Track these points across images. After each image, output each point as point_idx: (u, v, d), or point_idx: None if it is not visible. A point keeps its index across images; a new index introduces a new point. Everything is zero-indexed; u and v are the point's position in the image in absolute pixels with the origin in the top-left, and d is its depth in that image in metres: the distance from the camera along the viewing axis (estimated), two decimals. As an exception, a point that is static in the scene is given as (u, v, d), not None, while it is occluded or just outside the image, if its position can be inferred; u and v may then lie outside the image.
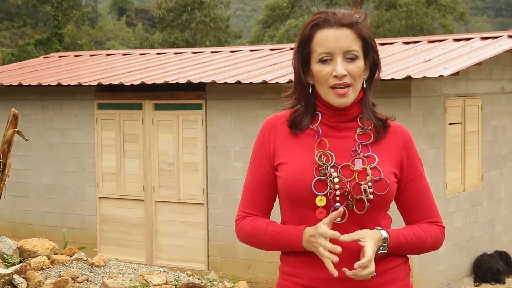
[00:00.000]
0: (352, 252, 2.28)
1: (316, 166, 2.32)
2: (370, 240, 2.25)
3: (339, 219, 2.30)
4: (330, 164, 2.32)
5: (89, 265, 7.08)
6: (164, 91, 9.89)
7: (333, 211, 2.29)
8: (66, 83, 10.30)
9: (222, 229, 9.57)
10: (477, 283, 9.32)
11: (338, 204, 2.30)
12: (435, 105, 8.92)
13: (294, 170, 2.33)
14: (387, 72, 8.10)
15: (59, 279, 6.31)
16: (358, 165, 2.33)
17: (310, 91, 2.38)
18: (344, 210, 2.30)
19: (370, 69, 2.40)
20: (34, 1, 28.57)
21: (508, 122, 10.35)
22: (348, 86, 2.32)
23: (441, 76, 8.04)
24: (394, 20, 32.07)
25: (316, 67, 2.34)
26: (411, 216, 2.44)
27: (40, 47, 26.18)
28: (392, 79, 8.03)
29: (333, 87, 2.32)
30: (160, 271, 7.53)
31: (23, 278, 6.27)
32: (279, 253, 2.46)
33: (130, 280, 6.44)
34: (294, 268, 2.38)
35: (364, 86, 2.38)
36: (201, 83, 9.39)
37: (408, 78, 8.06)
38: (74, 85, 10.27)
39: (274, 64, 10.18)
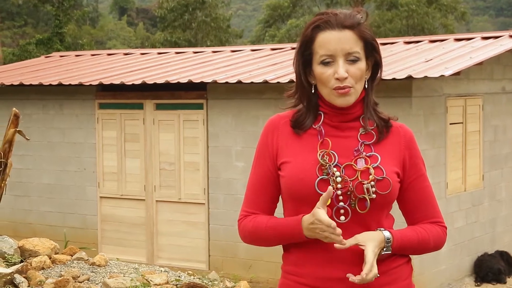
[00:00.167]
0: (353, 252, 2.29)
1: (319, 165, 2.33)
2: (370, 243, 2.26)
3: (342, 217, 2.31)
4: (333, 164, 2.33)
5: (90, 265, 7.08)
6: (165, 90, 9.89)
7: (336, 210, 2.30)
8: (67, 83, 10.30)
9: (223, 229, 9.57)
10: (478, 283, 9.32)
11: (341, 203, 2.31)
12: (436, 105, 8.92)
13: (297, 170, 2.34)
14: (388, 72, 8.10)
15: (60, 278, 6.31)
16: (360, 164, 2.34)
17: (313, 91, 2.39)
18: (347, 209, 2.31)
19: (372, 69, 2.41)
20: (35, 0, 28.55)
21: (509, 122, 10.34)
22: (349, 87, 2.32)
23: (442, 76, 8.03)
24: (395, 20, 32.06)
25: (318, 69, 2.34)
26: (413, 216, 2.45)
27: (41, 46, 26.18)
28: (393, 79, 8.03)
29: (335, 89, 2.32)
30: (161, 270, 7.53)
31: (24, 277, 6.27)
32: (280, 252, 2.47)
33: (131, 280, 6.44)
34: (297, 267, 2.38)
35: (366, 86, 2.38)
36: (202, 82, 9.39)
37: (409, 78, 8.06)
38: (75, 85, 10.27)
39: (275, 64, 10.17)
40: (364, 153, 2.35)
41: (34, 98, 11.02)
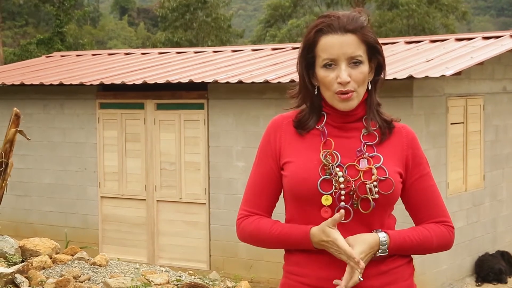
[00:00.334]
0: None
1: (322, 165, 2.33)
2: (358, 245, 2.27)
3: (344, 218, 2.31)
4: (335, 164, 2.33)
5: (91, 265, 7.08)
6: (166, 90, 9.90)
7: (338, 210, 2.30)
8: (68, 83, 10.30)
9: (224, 229, 9.57)
10: (479, 283, 9.31)
11: (343, 203, 2.31)
12: (437, 104, 8.91)
13: (299, 169, 2.34)
14: (389, 71, 8.10)
15: (61, 278, 6.31)
16: (363, 164, 2.34)
17: (316, 92, 2.39)
18: (349, 209, 2.31)
19: (375, 71, 2.41)
20: (36, 0, 28.56)
21: (510, 121, 10.34)
22: (352, 92, 2.32)
23: (443, 75, 8.03)
24: (396, 19, 32.05)
25: (320, 72, 2.34)
26: (418, 215, 2.44)
27: (42, 46, 26.19)
28: (394, 79, 8.03)
29: (338, 93, 2.32)
30: (162, 270, 7.53)
31: (25, 277, 6.27)
32: (281, 252, 2.47)
33: (132, 280, 6.44)
34: (299, 267, 2.38)
35: (369, 87, 2.38)
36: (203, 82, 9.39)
37: (410, 77, 8.06)
38: (76, 85, 10.28)
39: (276, 64, 10.18)
40: (366, 154, 2.35)
41: (35, 98, 11.02)
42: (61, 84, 10.33)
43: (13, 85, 10.76)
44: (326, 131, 2.38)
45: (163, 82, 9.58)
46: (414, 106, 8.49)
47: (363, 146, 2.36)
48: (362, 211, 2.31)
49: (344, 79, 2.29)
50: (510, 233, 10.38)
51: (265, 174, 2.43)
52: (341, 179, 2.31)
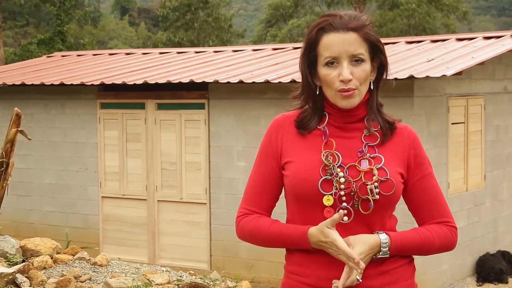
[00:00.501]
0: None
1: (323, 165, 2.33)
2: (358, 246, 2.27)
3: (346, 218, 2.31)
4: (336, 164, 2.33)
5: (92, 265, 7.08)
6: (167, 90, 9.90)
7: (339, 210, 2.30)
8: (69, 83, 10.30)
9: (225, 229, 9.57)
10: (480, 283, 9.31)
11: (344, 204, 2.31)
12: (438, 104, 8.91)
13: (301, 169, 2.34)
14: (390, 71, 8.08)
15: (61, 278, 6.31)
16: (364, 165, 2.34)
17: (318, 92, 2.39)
18: (350, 210, 2.31)
19: (377, 71, 2.41)
20: (37, 0, 28.56)
21: (511, 121, 10.33)
22: (354, 90, 2.32)
23: (444, 75, 8.03)
24: (397, 19, 32.04)
25: (322, 70, 2.34)
26: (421, 216, 2.44)
27: (43, 46, 26.20)
28: (395, 79, 8.02)
29: (340, 91, 2.32)
30: (163, 270, 7.53)
31: (25, 277, 6.27)
32: (282, 252, 2.47)
33: (133, 280, 6.44)
34: (300, 267, 2.38)
35: (371, 87, 2.38)
36: (203, 82, 9.40)
37: (411, 77, 8.06)
38: (77, 85, 10.28)
39: (277, 64, 10.18)
40: (368, 154, 2.35)
41: (36, 98, 11.03)
42: (62, 84, 10.33)
43: (14, 85, 10.76)
44: (327, 131, 2.38)
45: (164, 82, 9.58)
46: (415, 106, 8.49)
47: (365, 146, 2.36)
48: (363, 211, 2.31)
49: (346, 77, 2.29)
50: (511, 233, 10.38)
51: (266, 174, 2.43)
52: (342, 180, 2.31)
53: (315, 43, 2.35)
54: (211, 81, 9.32)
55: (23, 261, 6.84)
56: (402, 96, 8.46)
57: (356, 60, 2.31)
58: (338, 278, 2.28)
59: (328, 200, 2.30)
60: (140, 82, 9.76)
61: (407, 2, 31.46)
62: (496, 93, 10.02)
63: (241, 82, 9.09)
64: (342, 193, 2.30)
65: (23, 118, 7.45)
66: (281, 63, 10.16)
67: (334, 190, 2.30)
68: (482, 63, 8.98)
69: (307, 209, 2.34)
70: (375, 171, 2.32)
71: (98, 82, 10.10)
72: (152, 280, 6.62)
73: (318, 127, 2.40)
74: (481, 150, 9.71)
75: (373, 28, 2.37)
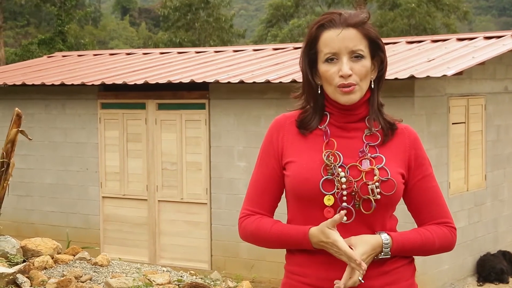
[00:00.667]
0: None
1: (324, 165, 2.33)
2: (360, 246, 2.26)
3: (345, 218, 2.31)
4: (338, 164, 2.33)
5: (92, 265, 7.08)
6: (167, 90, 9.90)
7: (340, 210, 2.30)
8: (70, 83, 10.31)
9: (225, 229, 9.57)
10: (481, 283, 9.31)
11: (345, 204, 2.31)
12: (439, 104, 8.91)
13: (302, 169, 2.34)
14: (390, 71, 8.09)
15: (62, 278, 6.31)
16: (365, 165, 2.34)
17: (319, 91, 2.39)
18: (351, 210, 2.31)
19: (378, 70, 2.41)
20: (38, 0, 28.56)
21: (511, 121, 10.33)
22: (354, 85, 2.32)
23: (444, 75, 8.03)
24: (397, 19, 32.02)
25: (322, 67, 2.35)
26: (420, 216, 2.44)
27: (44, 46, 26.19)
28: (396, 79, 8.03)
29: (340, 87, 2.32)
30: (163, 270, 7.52)
31: (26, 277, 6.27)
32: (282, 252, 2.47)
33: (133, 280, 6.44)
34: (300, 267, 2.38)
35: (372, 86, 2.39)
36: (204, 82, 9.40)
37: (412, 77, 8.06)
38: (78, 85, 10.28)
39: (277, 64, 10.18)
40: (369, 154, 2.35)
41: (36, 98, 11.03)
42: (62, 84, 10.33)
43: (14, 85, 10.77)
44: (329, 131, 2.38)
45: (165, 82, 9.59)
46: (416, 106, 8.49)
47: (366, 146, 2.37)
48: (364, 211, 2.31)
49: (345, 72, 2.30)
50: (511, 233, 10.37)
51: (267, 174, 2.43)
52: (343, 180, 2.31)
53: (315, 40, 2.36)
54: (212, 81, 9.32)
55: (24, 261, 6.84)
56: (402, 96, 8.46)
57: (356, 56, 2.32)
58: (339, 278, 2.28)
59: (329, 200, 2.30)
60: (140, 82, 9.76)
61: (407, 2, 31.44)
62: (497, 93, 10.02)
63: (241, 82, 9.09)
64: (344, 193, 2.31)
65: (23, 118, 7.45)
66: (281, 63, 10.16)
67: (335, 190, 2.31)
68: (482, 63, 8.98)
69: (308, 209, 2.34)
70: (376, 171, 2.32)
71: (98, 82, 10.10)
72: (152, 280, 6.62)
73: (319, 127, 2.40)
74: (482, 150, 9.71)
75: (373, 27, 2.38)
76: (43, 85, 10.51)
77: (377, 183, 2.31)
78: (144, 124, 10.17)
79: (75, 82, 10.28)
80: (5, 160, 7.19)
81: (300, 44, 2.22)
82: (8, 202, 8.75)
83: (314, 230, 2.29)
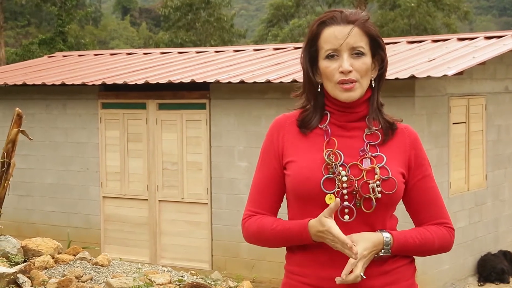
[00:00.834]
0: None
1: (325, 164, 2.33)
2: (361, 243, 2.26)
3: (347, 217, 2.31)
4: (338, 163, 2.33)
5: (93, 265, 7.08)
6: (168, 90, 9.90)
7: (341, 209, 2.31)
8: (70, 83, 10.31)
9: (226, 229, 9.57)
10: (481, 283, 9.31)
11: (346, 202, 2.31)
12: (439, 104, 8.91)
13: (303, 168, 2.34)
14: (391, 71, 8.09)
15: (63, 278, 6.32)
16: (366, 164, 2.34)
17: (319, 89, 2.39)
18: (352, 208, 2.31)
19: (378, 69, 2.41)
20: (38, 0, 28.56)
21: (512, 121, 10.33)
22: (354, 81, 2.33)
23: (445, 75, 8.03)
24: (398, 19, 32.01)
25: (323, 63, 2.35)
26: (419, 216, 2.45)
27: (44, 46, 26.20)
28: (396, 79, 8.03)
29: (340, 83, 2.33)
30: (164, 270, 7.53)
31: (27, 277, 6.28)
32: (283, 252, 2.47)
33: (134, 280, 6.44)
34: (300, 267, 2.38)
35: (373, 85, 2.39)
36: (205, 82, 9.40)
37: (412, 77, 8.06)
38: (78, 85, 10.29)
39: (278, 64, 10.18)
40: (369, 153, 2.36)
41: (37, 98, 11.03)
42: (63, 84, 10.33)
43: (15, 85, 10.77)
44: (329, 130, 2.39)
45: (165, 82, 9.59)
46: (416, 106, 8.49)
47: (366, 145, 2.37)
48: (365, 210, 2.31)
49: (346, 68, 2.30)
50: (512, 233, 10.37)
51: (268, 174, 2.44)
52: (344, 178, 2.31)
53: (316, 37, 2.37)
54: (212, 81, 9.33)
55: (25, 261, 6.84)
56: (403, 96, 8.46)
57: (356, 53, 2.33)
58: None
59: (330, 199, 2.30)
60: (141, 82, 9.76)
61: (407, 2, 31.42)
62: (497, 93, 10.02)
63: (242, 82, 9.09)
64: (345, 191, 2.31)
65: (24, 118, 7.46)
66: (282, 63, 10.16)
67: (336, 189, 2.31)
68: (483, 63, 8.98)
69: (309, 208, 2.34)
70: (377, 170, 2.32)
71: (99, 82, 10.10)
72: (153, 280, 6.62)
73: (320, 126, 2.40)
74: (482, 150, 9.71)
75: (374, 25, 2.40)
76: (43, 85, 10.52)
77: (378, 182, 2.31)
78: (144, 124, 10.17)
79: (76, 82, 10.29)
80: (5, 160, 7.19)
81: (301, 44, 2.22)
82: (9, 202, 8.76)
83: (313, 221, 2.29)
